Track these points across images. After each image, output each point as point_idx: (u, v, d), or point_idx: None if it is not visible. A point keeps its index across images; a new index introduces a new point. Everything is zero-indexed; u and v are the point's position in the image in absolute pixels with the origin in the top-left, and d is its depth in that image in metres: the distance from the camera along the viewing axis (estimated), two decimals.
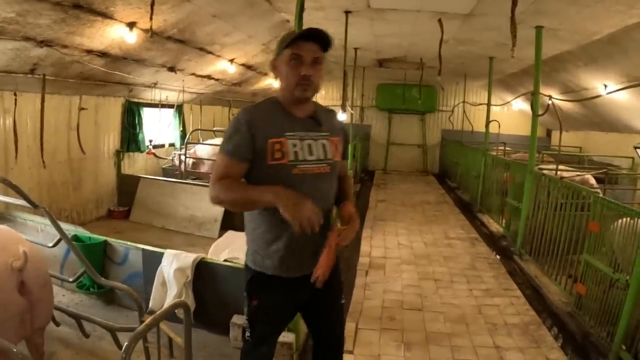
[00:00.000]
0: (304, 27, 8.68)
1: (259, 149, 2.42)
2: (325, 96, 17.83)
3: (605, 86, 8.84)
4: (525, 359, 4.58)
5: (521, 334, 5.11)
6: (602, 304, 4.82)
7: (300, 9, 3.99)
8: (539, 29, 7.28)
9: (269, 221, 2.54)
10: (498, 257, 7.90)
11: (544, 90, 10.82)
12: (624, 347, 4.26)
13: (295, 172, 2.45)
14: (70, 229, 5.16)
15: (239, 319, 4.35)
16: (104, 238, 5.07)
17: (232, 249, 6.43)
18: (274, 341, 2.87)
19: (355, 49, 10.28)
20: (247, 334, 2.75)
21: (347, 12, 7.31)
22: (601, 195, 5.54)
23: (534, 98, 7.58)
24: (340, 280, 2.92)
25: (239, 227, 7.35)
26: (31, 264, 3.20)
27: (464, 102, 15.47)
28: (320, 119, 2.61)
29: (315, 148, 2.54)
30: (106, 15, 5.48)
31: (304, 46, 2.43)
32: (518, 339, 4.97)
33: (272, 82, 13.22)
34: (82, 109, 7.44)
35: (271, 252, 2.58)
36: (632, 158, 10.49)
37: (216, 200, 2.44)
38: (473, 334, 5.04)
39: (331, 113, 2.80)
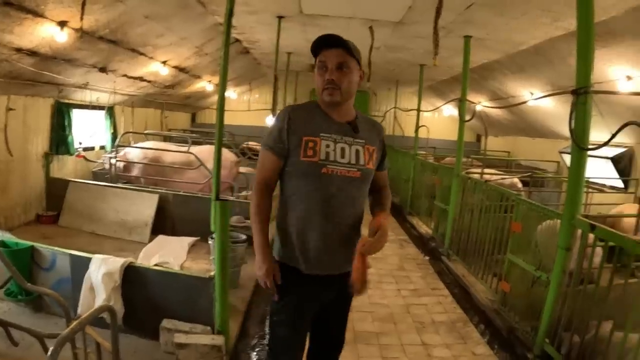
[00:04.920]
0: (237, 31, 8.67)
1: (294, 144, 2.55)
2: (259, 100, 17.87)
3: (532, 94, 9.20)
4: (452, 355, 4.74)
5: (448, 331, 5.29)
6: (525, 300, 5.05)
7: (229, 13, 3.98)
8: (467, 38, 7.53)
9: (298, 210, 2.61)
10: (427, 258, 8.11)
11: (474, 97, 11.18)
12: (547, 340, 4.45)
13: (323, 171, 2.52)
14: None
15: (168, 323, 4.34)
16: (31, 243, 4.94)
17: (162, 254, 6.41)
18: (295, 351, 2.81)
19: (288, 53, 10.33)
20: (267, 341, 2.83)
21: (279, 17, 7.36)
22: (523, 197, 5.78)
23: (461, 105, 7.84)
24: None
25: (170, 232, 7.37)
26: None
27: (395, 107, 15.73)
28: (358, 126, 2.67)
29: (348, 152, 2.59)
30: (37, 13, 5.35)
31: (327, 53, 2.54)
32: (445, 336, 5.15)
33: (205, 85, 13.09)
34: (10, 109, 7.21)
35: (296, 243, 2.63)
36: (558, 162, 10.96)
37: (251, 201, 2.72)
38: (401, 333, 5.17)
39: (373, 124, 2.83)
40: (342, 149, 2.58)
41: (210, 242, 5.74)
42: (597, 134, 5.33)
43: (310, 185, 2.56)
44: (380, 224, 2.49)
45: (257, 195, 2.68)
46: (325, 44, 2.54)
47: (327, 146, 2.55)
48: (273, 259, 2.71)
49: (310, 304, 2.73)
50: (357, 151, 2.62)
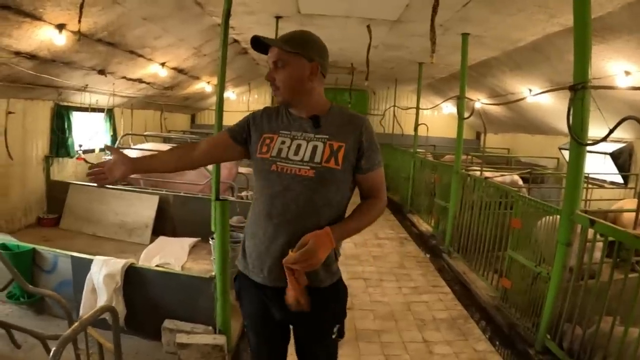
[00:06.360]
0: (236, 32, 8.64)
1: (254, 140, 2.53)
2: (258, 100, 17.83)
3: (530, 90, 9.20)
4: (453, 351, 4.76)
5: (449, 328, 5.32)
6: (526, 296, 5.06)
7: (227, 14, 3.97)
8: (464, 36, 7.54)
9: (251, 211, 2.55)
10: (427, 255, 8.12)
11: (473, 95, 11.18)
12: (548, 336, 4.48)
13: (272, 168, 2.36)
14: None
15: (170, 324, 4.34)
16: (32, 246, 4.95)
17: (163, 255, 6.40)
18: (265, 355, 2.69)
19: None
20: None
21: (277, 17, 7.35)
22: (521, 194, 5.79)
23: (459, 102, 7.87)
24: (336, 312, 2.57)
25: (171, 233, 7.36)
26: None
27: (394, 106, 15.71)
28: (321, 120, 2.44)
29: (304, 149, 2.36)
30: (35, 17, 5.35)
31: (269, 53, 2.47)
32: (446, 333, 5.17)
33: (204, 86, 13.09)
34: (10, 112, 7.22)
35: (247, 246, 2.52)
36: (557, 158, 10.97)
37: None
38: (402, 330, 5.20)
39: (350, 118, 2.48)
40: (298, 146, 2.38)
41: (211, 242, 5.75)
42: (596, 130, 5.31)
43: (260, 183, 2.46)
44: (307, 240, 2.19)
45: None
46: (258, 49, 2.51)
47: (283, 142, 2.42)
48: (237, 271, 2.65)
49: (266, 315, 2.54)
50: (315, 147, 2.36)
